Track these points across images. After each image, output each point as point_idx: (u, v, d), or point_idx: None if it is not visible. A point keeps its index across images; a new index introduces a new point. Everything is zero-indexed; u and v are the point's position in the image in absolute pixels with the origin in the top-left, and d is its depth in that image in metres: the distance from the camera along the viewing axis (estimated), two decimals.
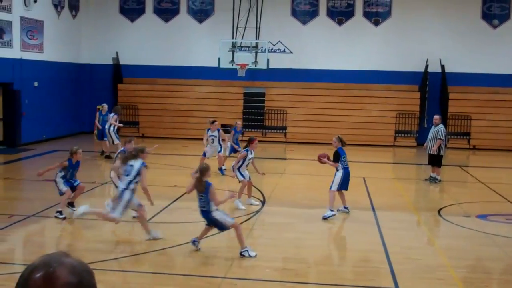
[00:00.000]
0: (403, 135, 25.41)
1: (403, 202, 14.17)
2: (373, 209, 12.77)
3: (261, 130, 25.89)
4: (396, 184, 16.84)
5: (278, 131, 25.92)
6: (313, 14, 26.09)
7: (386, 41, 25.57)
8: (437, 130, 16.19)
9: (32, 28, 22.63)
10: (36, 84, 22.88)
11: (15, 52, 21.50)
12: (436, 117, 16.57)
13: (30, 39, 22.54)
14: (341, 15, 25.98)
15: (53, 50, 24.18)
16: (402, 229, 11.43)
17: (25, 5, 21.94)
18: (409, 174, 19.09)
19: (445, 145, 16.69)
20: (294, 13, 26.17)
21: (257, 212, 12.24)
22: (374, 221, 11.70)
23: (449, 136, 21.35)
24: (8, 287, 7.87)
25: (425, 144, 16.69)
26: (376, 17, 25.82)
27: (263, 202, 13.18)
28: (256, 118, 26.01)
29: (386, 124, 25.29)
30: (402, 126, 25.39)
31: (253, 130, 25.90)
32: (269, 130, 26.00)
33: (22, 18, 21.87)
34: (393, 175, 18.87)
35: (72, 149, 11.69)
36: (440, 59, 24.83)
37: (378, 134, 25.20)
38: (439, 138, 16.04)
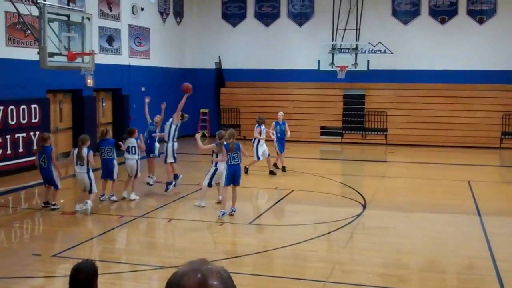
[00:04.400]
0: (510, 136, 24.34)
1: (511, 207, 13.61)
2: (479, 214, 12.35)
3: (361, 132, 25.65)
4: (504, 188, 16.18)
5: (379, 133, 25.56)
6: (415, 13, 25.55)
7: (491, 39, 24.59)
8: None
9: (139, 35, 23.62)
10: (143, 89, 23.81)
11: (123, 58, 22.52)
12: None
13: (138, 46, 23.53)
14: (443, 14, 25.28)
15: (159, 56, 25.11)
16: (510, 235, 11.00)
17: (133, 13, 22.94)
18: None
19: None
20: (395, 13, 25.73)
21: (358, 215, 12.17)
22: (480, 226, 11.31)
23: None
24: (118, 285, 8.30)
25: None
26: (480, 15, 24.90)
27: (364, 206, 13.08)
28: (356, 120, 25.80)
29: (491, 125, 24.31)
30: (509, 127, 24.31)
31: (353, 132, 25.73)
32: (369, 132, 25.70)
33: (130, 26, 22.88)
34: (501, 179, 18.15)
35: (44, 135, 12.69)
36: None
37: (483, 135, 24.28)
38: None
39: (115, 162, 13.11)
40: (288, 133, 17.75)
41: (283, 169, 17.57)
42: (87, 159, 11.96)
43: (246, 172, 16.48)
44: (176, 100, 26.36)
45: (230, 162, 11.90)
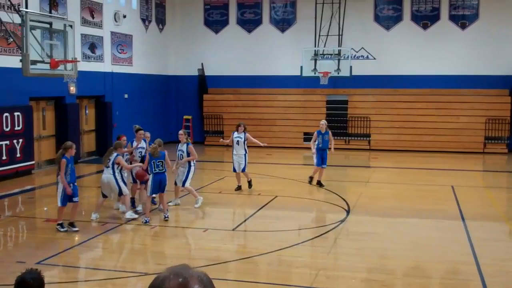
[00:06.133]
0: (493, 141, 24.55)
1: (495, 212, 13.70)
2: (463, 219, 12.43)
3: (344, 138, 25.72)
4: (487, 193, 16.31)
5: (362, 138, 25.67)
6: (397, 19, 25.73)
7: (473, 44, 24.83)
8: None
9: (122, 42, 23.55)
10: (126, 96, 23.76)
11: (106, 66, 22.43)
12: None
13: (120, 53, 23.46)
14: (426, 19, 25.48)
15: (141, 63, 25.06)
16: (494, 240, 11.08)
17: (115, 20, 22.87)
18: (500, 182, 18.46)
19: None
20: (377, 19, 25.90)
21: (342, 221, 12.20)
22: (464, 231, 11.38)
23: None
24: None
25: None
26: (462, 20, 25.14)
27: (347, 211, 13.12)
28: (339, 125, 25.86)
29: (475, 130, 24.50)
30: (492, 132, 24.52)
31: (336, 137, 25.70)
32: (352, 138, 25.79)
33: (112, 33, 22.81)
34: (484, 183, 18.29)
35: (66, 144, 11.25)
36: None
37: (466, 140, 24.47)
38: None
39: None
40: (333, 144, 16.08)
41: (319, 183, 16.08)
42: (113, 163, 11.98)
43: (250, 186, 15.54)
44: (159, 107, 26.52)
45: (155, 170, 12.06)
